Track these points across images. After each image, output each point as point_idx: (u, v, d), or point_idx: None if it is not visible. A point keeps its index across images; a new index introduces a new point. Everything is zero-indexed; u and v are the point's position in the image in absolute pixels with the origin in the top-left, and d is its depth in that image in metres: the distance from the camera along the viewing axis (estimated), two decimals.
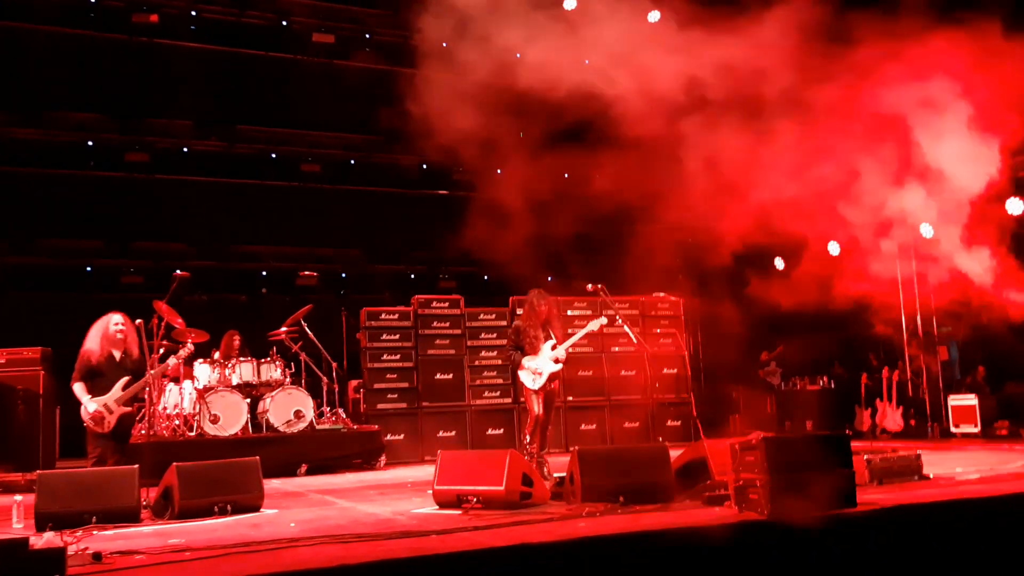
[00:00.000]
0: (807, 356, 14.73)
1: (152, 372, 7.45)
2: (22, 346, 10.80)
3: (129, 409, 7.23)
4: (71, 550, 4.56)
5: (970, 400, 12.27)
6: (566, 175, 17.63)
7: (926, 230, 12.89)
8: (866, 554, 5.23)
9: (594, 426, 12.55)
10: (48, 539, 4.74)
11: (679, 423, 12.70)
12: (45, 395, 10.68)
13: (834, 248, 14.22)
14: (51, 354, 10.99)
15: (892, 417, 12.82)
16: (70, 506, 6.02)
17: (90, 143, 14.54)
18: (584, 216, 17.12)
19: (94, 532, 5.75)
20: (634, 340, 8.81)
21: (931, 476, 6.98)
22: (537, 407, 8.19)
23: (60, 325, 11.44)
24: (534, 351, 8.21)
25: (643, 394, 12.44)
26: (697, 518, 5.43)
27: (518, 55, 10.17)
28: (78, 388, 7.12)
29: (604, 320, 8.56)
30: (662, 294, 13.31)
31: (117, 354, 7.23)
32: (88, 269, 14.50)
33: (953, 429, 12.30)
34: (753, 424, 14.55)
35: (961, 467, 7.82)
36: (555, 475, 7.47)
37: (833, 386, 13.83)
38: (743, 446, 5.50)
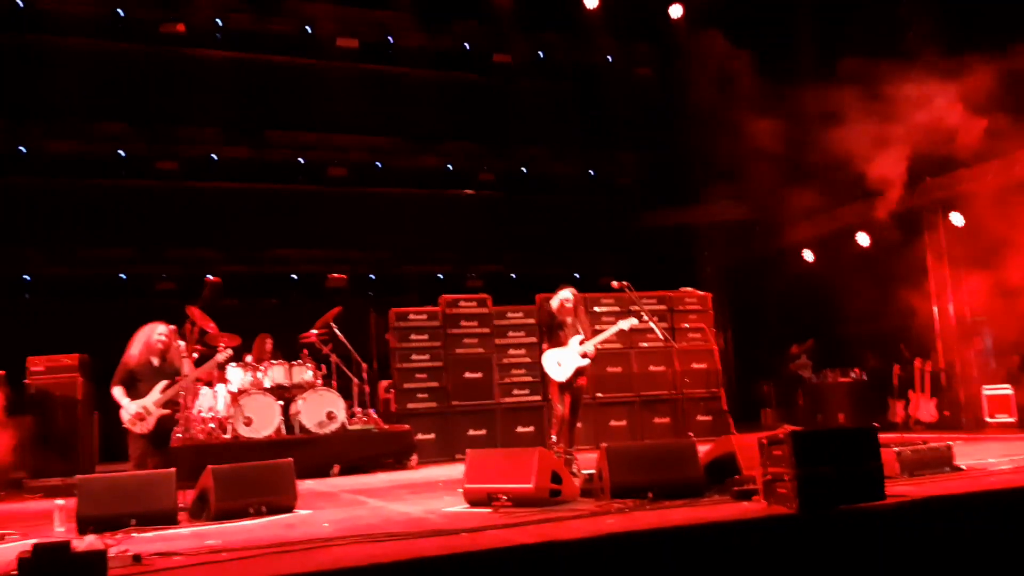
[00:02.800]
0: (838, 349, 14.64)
1: (191, 377, 7.63)
2: (60, 353, 11.03)
3: (168, 411, 7.40)
4: (112, 552, 4.67)
5: (1005, 390, 12.13)
6: (592, 172, 17.71)
7: (956, 219, 12.79)
8: (896, 547, 5.21)
9: (623, 422, 12.55)
10: (90, 542, 4.86)
11: (709, 418, 12.65)
12: (83, 401, 10.90)
13: (863, 239, 14.16)
14: (88, 361, 11.22)
15: (926, 408, 12.69)
16: (110, 509, 6.15)
17: (121, 153, 14.76)
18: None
19: (133, 534, 5.87)
20: (661, 337, 8.84)
21: (963, 467, 6.91)
22: (561, 405, 8.23)
23: (97, 332, 11.70)
24: (561, 343, 8.26)
25: (672, 390, 12.44)
26: (726, 513, 5.45)
27: None
28: (117, 392, 7.33)
29: (634, 320, 8.57)
30: (689, 288, 13.27)
31: (156, 361, 7.43)
32: (122, 277, 14.73)
33: (988, 419, 12.15)
34: (784, 418, 14.51)
35: (994, 457, 7.74)
36: (584, 472, 7.51)
37: (865, 378, 13.71)
38: (771, 440, 5.51)
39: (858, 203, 14.20)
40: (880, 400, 13.22)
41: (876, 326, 14.58)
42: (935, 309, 13.54)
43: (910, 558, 5.21)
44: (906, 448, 6.77)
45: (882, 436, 5.72)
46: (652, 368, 12.73)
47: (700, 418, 12.64)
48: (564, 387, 8.25)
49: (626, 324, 8.52)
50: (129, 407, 7.27)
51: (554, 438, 8.28)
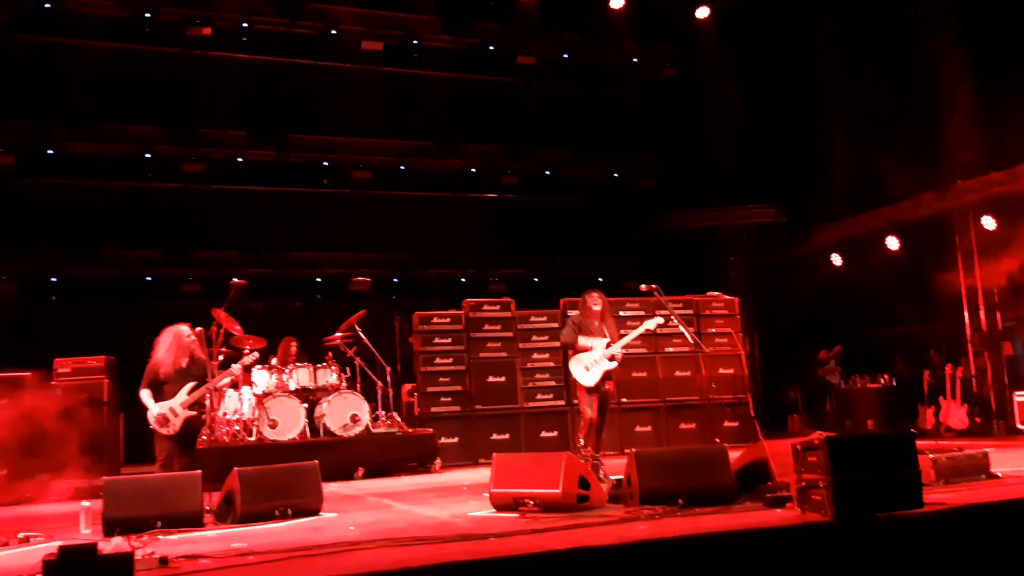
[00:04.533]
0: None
1: (218, 380, 7.64)
2: (86, 355, 11.07)
3: (194, 413, 7.41)
4: (138, 555, 4.65)
5: None
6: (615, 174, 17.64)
7: (988, 222, 12.60)
8: (933, 555, 5.10)
9: (649, 428, 12.44)
10: (116, 544, 4.84)
11: (736, 424, 12.50)
12: (109, 403, 10.93)
13: (893, 243, 13.99)
14: (115, 362, 11.26)
15: (956, 415, 12.50)
16: (136, 511, 6.13)
17: (147, 155, 14.83)
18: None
19: (159, 537, 5.85)
20: (690, 340, 8.74)
21: (999, 475, 6.78)
22: (589, 410, 8.17)
23: (123, 334, 11.79)
24: (588, 348, 8.21)
25: (699, 395, 12.32)
26: (759, 520, 5.35)
27: None
28: (144, 394, 7.37)
29: (660, 320, 8.51)
30: (717, 293, 13.15)
31: (184, 362, 7.44)
32: (148, 279, 14.81)
33: (1019, 426, 11.94)
34: (812, 424, 14.36)
35: None
36: (611, 477, 7.43)
37: (895, 384, 13.51)
38: (805, 446, 5.41)
39: (888, 207, 14.06)
40: (909, 406, 13.04)
41: (906, 331, 14.40)
42: (966, 314, 13.35)
43: (948, 567, 5.10)
44: (941, 455, 6.65)
45: (916, 443, 5.60)
46: (678, 373, 12.60)
47: (727, 424, 12.49)
48: (592, 391, 8.19)
49: (652, 324, 8.44)
50: (154, 409, 7.29)
51: (582, 442, 8.21)
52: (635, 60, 17.44)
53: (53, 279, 14.39)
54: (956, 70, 12.89)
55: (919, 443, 5.62)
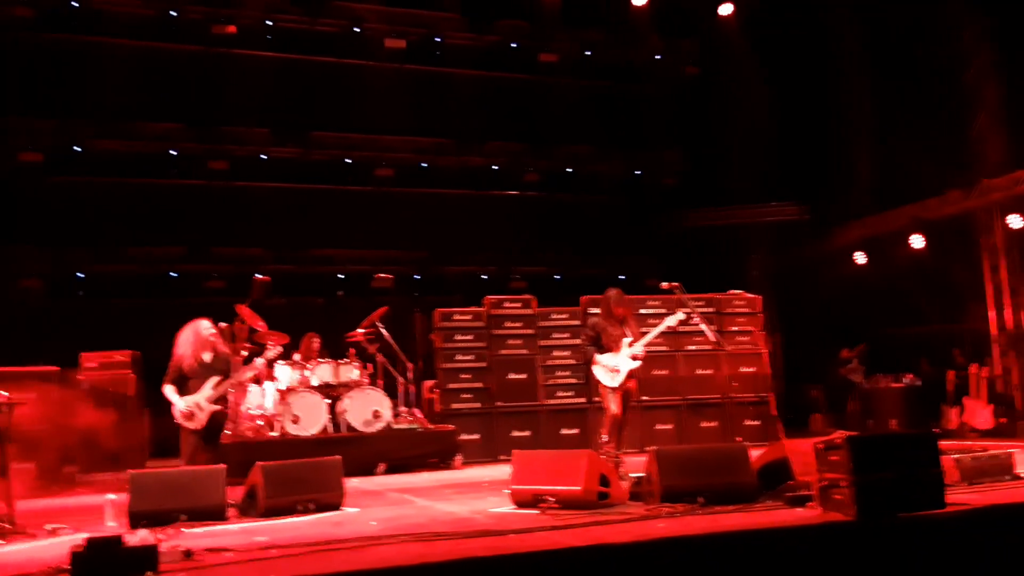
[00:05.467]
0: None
1: (241, 374, 7.72)
2: (112, 350, 11.20)
3: (218, 407, 7.48)
4: (163, 547, 4.71)
5: None
6: (636, 172, 17.59)
7: (1014, 221, 12.47)
8: (955, 556, 5.07)
9: (670, 426, 12.40)
10: (142, 536, 4.90)
11: (758, 423, 12.44)
12: (135, 397, 11.07)
13: (918, 241, 13.87)
14: (140, 357, 11.39)
15: (981, 415, 12.38)
16: (160, 505, 6.21)
17: (172, 152, 14.97)
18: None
19: (183, 530, 5.92)
20: (711, 338, 8.72)
21: None
22: (615, 406, 8.18)
23: (148, 329, 11.90)
24: (614, 349, 8.22)
25: (720, 393, 12.27)
26: (780, 519, 5.34)
27: None
28: (168, 390, 7.45)
29: (682, 315, 8.50)
30: (739, 291, 13.09)
31: (207, 357, 7.51)
32: (172, 275, 14.94)
33: None
34: (834, 424, 14.26)
35: None
36: (632, 475, 7.43)
37: (919, 384, 13.40)
38: (827, 445, 5.39)
39: (913, 204, 13.94)
40: (933, 406, 12.93)
41: (930, 330, 14.28)
42: (991, 314, 13.22)
43: (970, 568, 5.06)
44: (965, 455, 6.60)
45: (939, 443, 5.57)
46: (699, 371, 12.55)
47: (748, 423, 12.43)
48: (615, 389, 8.20)
49: (673, 320, 8.43)
50: (179, 404, 7.38)
51: (605, 437, 8.22)
52: (657, 57, 17.39)
53: (79, 275, 14.55)
54: (983, 67, 12.77)
55: (943, 443, 5.59)
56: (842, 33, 15.06)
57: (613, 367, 8.17)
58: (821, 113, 15.46)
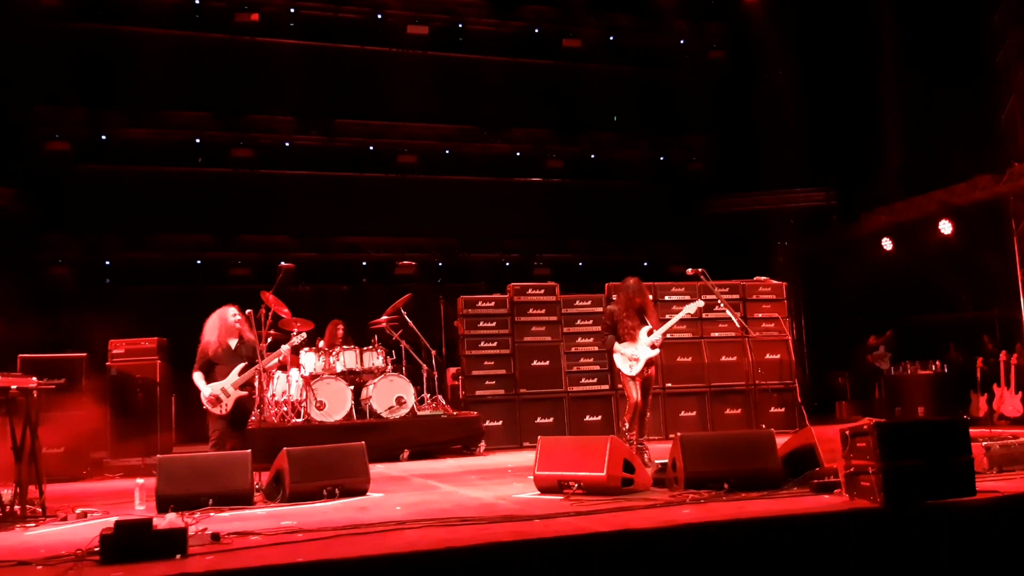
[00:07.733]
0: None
1: (267, 361, 7.77)
2: (139, 337, 11.32)
3: (245, 393, 7.54)
4: (191, 530, 4.75)
5: None
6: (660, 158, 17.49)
7: None
8: (985, 544, 5.01)
9: (694, 413, 12.37)
10: (171, 520, 4.95)
11: (782, 410, 12.38)
12: (162, 383, 11.18)
13: (946, 227, 13.70)
14: (167, 344, 11.50)
15: (1011, 402, 12.23)
16: (188, 489, 6.27)
17: (197, 140, 15.08)
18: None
19: (211, 514, 5.98)
20: (736, 325, 8.67)
21: None
22: (635, 393, 8.17)
23: (174, 316, 12.04)
24: (631, 338, 8.20)
25: (745, 380, 12.21)
26: (806, 506, 5.30)
27: None
28: (196, 377, 7.55)
29: (701, 303, 8.47)
30: (764, 277, 13.00)
31: (233, 343, 7.59)
32: (198, 262, 15.07)
33: None
34: (860, 411, 14.15)
35: None
36: (656, 462, 7.41)
37: (946, 371, 13.25)
38: (854, 432, 5.34)
39: (941, 190, 13.76)
40: (961, 393, 12.78)
41: (958, 317, 14.11)
42: (1022, 300, 13.03)
43: (1000, 555, 5.01)
44: (994, 443, 6.53)
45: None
46: (724, 358, 12.50)
47: (773, 410, 12.38)
48: (634, 378, 8.19)
49: (692, 308, 8.40)
50: (205, 390, 7.46)
51: (627, 425, 8.21)
52: (683, 42, 17.25)
53: (107, 263, 14.71)
54: (1014, 51, 12.55)
55: (972, 431, 5.52)
56: (871, 17, 14.86)
57: (632, 356, 8.16)
58: (848, 98, 15.28)
